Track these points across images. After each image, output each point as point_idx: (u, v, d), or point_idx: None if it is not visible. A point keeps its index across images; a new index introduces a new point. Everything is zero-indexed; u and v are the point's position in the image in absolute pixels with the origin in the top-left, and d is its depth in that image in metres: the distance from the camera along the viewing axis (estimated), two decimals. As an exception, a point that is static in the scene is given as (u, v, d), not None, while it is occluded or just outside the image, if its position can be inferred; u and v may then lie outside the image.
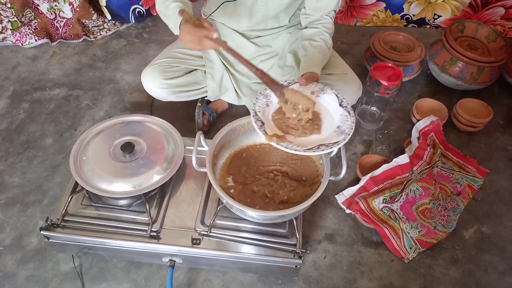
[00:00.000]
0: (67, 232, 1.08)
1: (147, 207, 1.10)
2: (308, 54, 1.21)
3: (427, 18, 2.08)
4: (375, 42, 1.77)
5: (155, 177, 1.12)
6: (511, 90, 1.79)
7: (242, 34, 1.43)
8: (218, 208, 1.09)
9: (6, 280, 1.17)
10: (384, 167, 1.39)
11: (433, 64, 1.74)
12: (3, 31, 1.88)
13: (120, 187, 1.09)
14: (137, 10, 2.03)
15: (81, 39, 1.95)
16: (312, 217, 1.33)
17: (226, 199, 0.98)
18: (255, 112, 1.00)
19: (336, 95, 1.08)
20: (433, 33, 2.09)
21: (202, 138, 1.11)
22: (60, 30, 1.96)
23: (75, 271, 1.18)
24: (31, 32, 1.89)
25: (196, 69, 1.45)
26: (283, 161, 1.18)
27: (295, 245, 1.07)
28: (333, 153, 1.12)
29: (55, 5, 1.90)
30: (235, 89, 1.47)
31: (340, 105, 1.06)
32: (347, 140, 0.97)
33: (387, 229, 1.27)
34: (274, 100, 1.07)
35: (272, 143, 0.95)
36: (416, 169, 1.39)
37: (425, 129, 1.50)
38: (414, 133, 1.51)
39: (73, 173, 1.10)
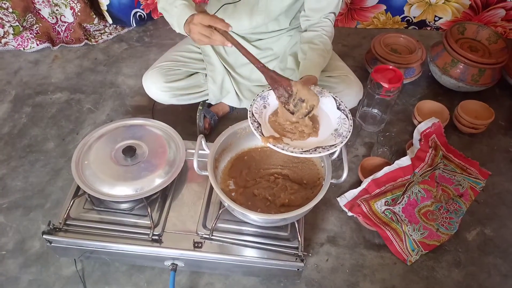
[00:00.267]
0: (69, 236, 1.08)
1: (149, 210, 1.10)
2: (307, 57, 1.21)
3: (428, 20, 2.08)
4: (376, 45, 1.77)
5: (156, 181, 1.12)
6: (512, 92, 1.79)
7: (242, 37, 1.43)
8: (220, 212, 1.09)
9: (8, 284, 1.17)
10: (386, 169, 1.39)
11: (434, 66, 1.74)
12: (5, 35, 1.89)
13: (122, 190, 1.09)
14: (138, 14, 2.04)
15: (83, 43, 1.96)
16: (314, 220, 1.33)
17: (227, 202, 0.98)
18: (252, 113, 1.00)
19: (334, 98, 1.07)
20: (433, 35, 2.09)
21: (203, 142, 1.11)
22: (62, 34, 1.97)
23: (78, 275, 1.18)
24: (33, 36, 1.90)
25: (197, 72, 1.46)
26: (284, 164, 1.18)
27: (297, 248, 1.07)
28: (335, 156, 1.12)
29: (57, 10, 1.90)
30: (236, 92, 1.47)
31: (338, 108, 1.06)
32: (344, 143, 0.97)
33: (389, 231, 1.26)
34: (271, 102, 1.07)
35: (268, 144, 0.95)
36: (418, 171, 1.39)
37: (427, 131, 1.50)
38: (416, 135, 1.51)
39: (75, 177, 1.10)
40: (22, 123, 1.61)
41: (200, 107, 1.48)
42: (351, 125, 1.01)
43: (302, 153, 0.94)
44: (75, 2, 1.88)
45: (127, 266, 1.20)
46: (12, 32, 1.88)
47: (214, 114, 1.54)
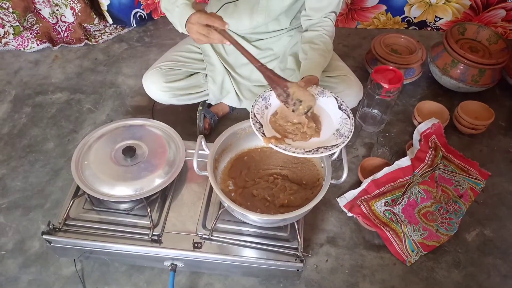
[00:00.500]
0: (69, 236, 1.08)
1: (149, 211, 1.10)
2: (308, 57, 1.21)
3: (428, 20, 2.08)
4: (376, 45, 1.77)
5: (156, 181, 1.12)
6: (512, 92, 1.79)
7: (243, 37, 1.43)
8: (220, 212, 1.09)
9: (8, 284, 1.17)
10: (386, 170, 1.39)
11: (434, 67, 1.73)
12: (5, 35, 1.89)
13: (121, 191, 1.09)
14: (139, 14, 2.04)
15: (83, 43, 1.96)
16: (314, 221, 1.33)
17: (227, 202, 0.98)
18: (254, 114, 1.00)
19: (336, 98, 1.07)
20: (434, 35, 2.09)
21: (203, 142, 1.11)
22: (62, 34, 1.97)
23: (77, 275, 1.18)
24: (33, 36, 1.90)
25: (197, 72, 1.46)
26: (283, 164, 1.18)
27: (296, 248, 1.07)
28: (334, 156, 1.12)
29: (57, 10, 1.91)
30: (236, 92, 1.47)
31: (340, 108, 1.06)
32: (346, 143, 0.97)
33: (389, 232, 1.26)
34: (273, 102, 1.07)
35: (270, 145, 0.95)
36: (418, 172, 1.39)
37: (427, 132, 1.50)
38: (416, 136, 1.51)
39: (75, 177, 1.10)
40: (22, 123, 1.61)
41: (200, 107, 1.48)
42: (352, 125, 1.01)
43: (304, 154, 0.94)
44: (76, 2, 1.88)
45: (127, 266, 1.20)
46: (13, 32, 1.88)
47: (214, 114, 1.54)
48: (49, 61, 1.89)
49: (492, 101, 1.67)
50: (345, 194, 1.36)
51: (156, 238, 1.08)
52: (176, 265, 1.10)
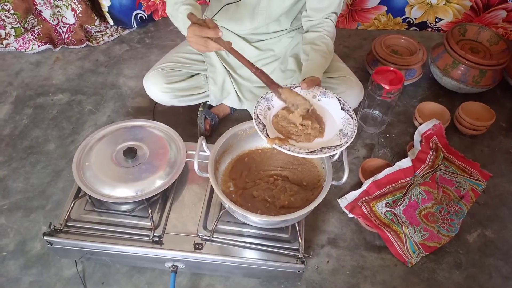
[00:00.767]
0: (70, 238, 1.08)
1: (150, 212, 1.10)
2: (310, 58, 1.21)
3: (429, 21, 2.08)
4: (377, 46, 1.77)
5: (157, 182, 1.12)
6: (513, 93, 1.79)
7: (243, 38, 1.43)
8: (221, 213, 1.09)
9: (9, 286, 1.17)
10: (387, 171, 1.39)
11: (435, 68, 1.73)
12: (7, 37, 1.89)
13: (122, 192, 1.09)
14: (139, 15, 2.05)
15: (84, 45, 1.97)
16: (315, 222, 1.33)
17: (228, 204, 0.98)
18: (257, 115, 1.01)
19: (338, 99, 1.08)
20: (434, 36, 2.09)
21: (204, 143, 1.11)
22: (63, 35, 1.97)
23: (78, 276, 1.18)
24: (34, 38, 1.90)
25: (198, 74, 1.46)
26: (284, 165, 1.18)
27: (297, 249, 1.07)
28: (335, 157, 1.12)
29: (58, 11, 1.91)
30: (237, 93, 1.48)
31: (342, 108, 1.06)
32: (349, 143, 0.97)
33: (390, 233, 1.26)
34: (275, 104, 1.07)
35: (274, 145, 0.95)
36: (419, 173, 1.39)
37: (428, 133, 1.49)
38: (417, 137, 1.50)
39: (76, 179, 1.11)
40: (23, 124, 1.61)
41: (201, 109, 1.48)
42: (355, 125, 1.01)
43: (308, 154, 0.94)
44: (76, 3, 1.89)
45: (128, 268, 1.20)
46: (14, 34, 1.89)
47: (215, 115, 1.54)
48: (50, 63, 1.89)
49: (493, 102, 1.67)
50: (346, 195, 1.36)
51: (157, 239, 1.08)
52: (177, 266, 1.10)
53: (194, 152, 1.09)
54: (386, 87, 1.43)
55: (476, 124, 1.54)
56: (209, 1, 1.72)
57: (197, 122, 1.48)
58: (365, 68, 1.85)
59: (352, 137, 0.99)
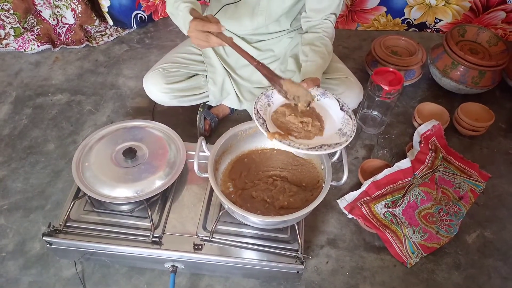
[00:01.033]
0: (69, 238, 1.08)
1: (149, 212, 1.10)
2: (309, 59, 1.21)
3: (428, 22, 2.09)
4: (376, 47, 1.77)
5: (157, 183, 1.12)
6: (512, 94, 1.79)
7: (243, 38, 1.44)
8: (220, 214, 1.09)
9: (8, 286, 1.17)
10: (386, 171, 1.39)
11: (434, 68, 1.74)
12: (6, 37, 1.89)
13: (122, 192, 1.09)
14: (139, 15, 2.05)
15: (83, 45, 1.97)
16: (314, 222, 1.33)
17: (228, 204, 0.98)
18: (257, 110, 1.01)
19: (337, 100, 1.08)
20: (434, 37, 2.09)
21: (203, 144, 1.11)
22: (63, 36, 1.97)
23: (78, 277, 1.18)
24: (34, 38, 1.90)
25: (198, 74, 1.46)
26: (283, 166, 1.18)
27: (297, 250, 1.07)
28: (335, 158, 1.12)
29: (58, 11, 1.91)
30: (237, 94, 1.48)
31: (341, 109, 1.07)
32: (349, 141, 0.98)
33: (389, 234, 1.26)
34: (275, 100, 1.07)
35: (274, 140, 0.95)
36: (418, 174, 1.39)
37: (427, 134, 1.50)
38: (416, 138, 1.51)
39: (76, 179, 1.11)
40: (23, 124, 1.61)
41: (200, 109, 1.48)
42: (354, 125, 1.02)
43: (308, 150, 0.94)
44: (76, 3, 1.89)
45: (127, 268, 1.20)
46: (13, 34, 1.88)
47: (214, 116, 1.54)
48: (49, 63, 1.89)
49: (492, 103, 1.67)
50: (345, 196, 1.36)
51: (156, 239, 1.08)
52: (177, 266, 1.10)
53: (193, 153, 1.09)
54: (386, 87, 1.43)
55: (475, 125, 1.54)
56: (209, 1, 1.73)
57: (196, 122, 1.48)
58: (364, 68, 1.85)
59: (351, 136, 0.99)
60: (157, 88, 1.37)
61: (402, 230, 1.27)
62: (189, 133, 1.53)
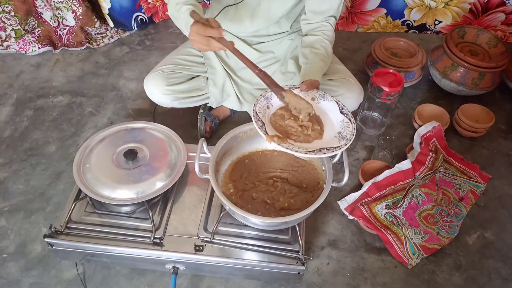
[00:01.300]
0: (70, 239, 1.08)
1: (150, 214, 1.10)
2: (309, 62, 1.22)
3: (428, 23, 2.09)
4: (376, 48, 1.77)
5: (158, 184, 1.12)
6: (512, 95, 1.79)
7: (243, 40, 1.44)
8: (221, 215, 1.09)
9: (9, 288, 1.17)
10: (386, 172, 1.39)
11: (434, 70, 1.74)
12: (7, 39, 1.90)
13: (123, 194, 1.09)
14: (140, 17, 2.05)
15: (84, 47, 1.97)
16: (315, 223, 1.33)
17: (229, 205, 0.98)
18: (256, 113, 1.01)
19: (337, 102, 1.08)
20: (434, 38, 2.10)
21: (204, 145, 1.11)
22: (63, 37, 1.97)
23: (79, 278, 1.18)
24: (35, 40, 1.91)
25: (199, 76, 1.46)
26: (284, 167, 1.18)
27: (298, 251, 1.07)
28: (336, 159, 1.12)
29: (58, 13, 1.91)
30: (237, 95, 1.48)
31: (341, 112, 1.07)
32: (348, 145, 0.98)
33: (390, 235, 1.27)
34: (274, 103, 1.07)
35: (272, 143, 0.96)
36: (419, 175, 1.39)
37: (427, 135, 1.50)
38: (416, 139, 1.51)
39: (77, 180, 1.11)
40: (24, 126, 1.61)
41: (201, 110, 1.48)
42: (354, 128, 1.02)
43: (307, 153, 0.94)
44: (77, 5, 1.89)
45: (128, 270, 1.20)
46: (14, 36, 1.89)
47: (215, 117, 1.55)
48: (50, 65, 1.89)
49: (492, 104, 1.68)
50: (346, 197, 1.37)
51: (157, 241, 1.09)
52: (178, 268, 1.10)
53: (194, 154, 1.09)
54: (386, 89, 1.43)
55: (475, 126, 1.54)
56: (209, 3, 1.73)
57: (197, 124, 1.48)
58: (364, 70, 1.85)
59: (350, 139, 0.99)
60: (158, 90, 1.37)
61: (402, 231, 1.27)
62: (190, 135, 1.53)
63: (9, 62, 1.89)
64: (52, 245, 1.09)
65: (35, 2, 1.85)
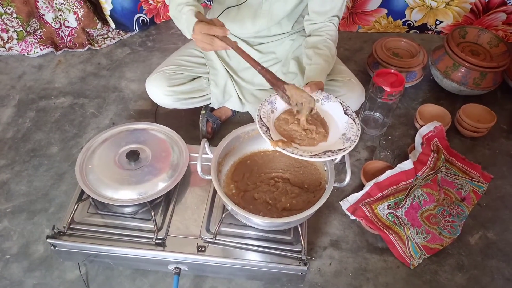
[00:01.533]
0: (73, 240, 1.09)
1: (153, 214, 1.10)
2: (313, 62, 1.22)
3: (429, 24, 2.09)
4: (378, 49, 1.77)
5: (160, 185, 1.12)
6: (514, 95, 1.79)
7: (245, 41, 1.44)
8: (223, 215, 1.09)
9: (12, 288, 1.18)
10: (388, 173, 1.39)
11: (435, 70, 1.74)
12: (9, 40, 1.90)
13: (125, 194, 1.09)
14: (141, 18, 2.06)
15: (86, 48, 1.97)
16: (317, 224, 1.33)
17: (231, 206, 0.98)
18: (260, 118, 1.01)
19: (341, 104, 1.08)
20: (435, 38, 2.10)
21: (206, 146, 1.11)
22: (65, 39, 1.98)
23: (81, 279, 1.18)
24: (37, 41, 1.91)
25: (200, 76, 1.46)
26: (286, 168, 1.18)
27: (300, 252, 1.07)
28: (337, 160, 1.12)
29: (60, 15, 1.92)
30: (239, 96, 1.48)
31: (345, 113, 1.07)
32: (353, 147, 0.98)
33: (392, 235, 1.27)
34: (279, 107, 1.07)
35: (277, 148, 0.96)
36: (420, 175, 1.40)
37: (429, 135, 1.50)
38: (418, 139, 1.51)
39: (79, 181, 1.11)
40: (26, 127, 1.62)
41: (203, 111, 1.48)
42: (358, 130, 1.02)
43: (312, 157, 0.94)
44: (79, 7, 1.90)
45: (131, 270, 1.20)
46: (16, 37, 1.89)
47: (216, 118, 1.55)
48: (52, 66, 1.90)
49: (494, 104, 1.68)
50: (347, 197, 1.37)
51: (160, 241, 1.09)
52: (180, 268, 1.10)
53: (196, 155, 1.09)
54: (387, 89, 1.43)
55: (477, 126, 1.54)
56: (211, 4, 1.73)
57: (199, 124, 1.48)
58: (366, 70, 1.86)
59: (355, 141, 0.99)
60: (160, 91, 1.38)
61: (405, 231, 1.27)
62: (192, 135, 1.53)
63: (11, 64, 1.90)
64: (55, 246, 1.10)
65: (37, 3, 1.86)
